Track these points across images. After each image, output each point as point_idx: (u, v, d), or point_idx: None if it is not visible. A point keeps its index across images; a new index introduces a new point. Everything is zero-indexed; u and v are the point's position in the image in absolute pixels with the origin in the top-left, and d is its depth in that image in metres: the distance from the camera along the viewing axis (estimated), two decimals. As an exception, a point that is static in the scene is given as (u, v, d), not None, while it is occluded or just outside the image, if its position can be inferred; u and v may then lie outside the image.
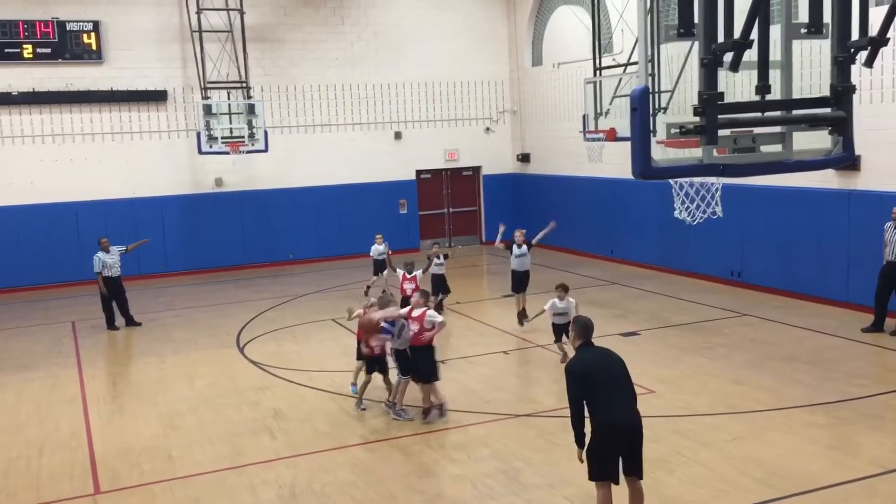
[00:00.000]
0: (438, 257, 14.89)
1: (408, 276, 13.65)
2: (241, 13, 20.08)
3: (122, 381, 12.62)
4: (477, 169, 24.36)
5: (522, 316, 13.89)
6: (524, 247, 14.48)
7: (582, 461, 6.67)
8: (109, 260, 15.38)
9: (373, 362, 10.37)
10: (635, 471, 6.67)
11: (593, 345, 6.84)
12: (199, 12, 19.69)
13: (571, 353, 7.06)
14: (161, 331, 15.23)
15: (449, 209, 24.34)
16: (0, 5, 19.15)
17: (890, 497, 7.45)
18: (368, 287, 16.94)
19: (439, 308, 13.59)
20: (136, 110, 20.56)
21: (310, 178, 22.13)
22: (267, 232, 21.83)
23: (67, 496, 8.26)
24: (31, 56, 19.44)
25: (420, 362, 9.91)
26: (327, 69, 22.15)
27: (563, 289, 11.70)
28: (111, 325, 15.47)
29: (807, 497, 7.51)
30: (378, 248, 16.95)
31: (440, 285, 14.89)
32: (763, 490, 7.65)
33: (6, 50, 19.24)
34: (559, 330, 11.56)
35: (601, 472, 6.58)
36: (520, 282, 14.30)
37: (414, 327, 9.83)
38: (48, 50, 19.55)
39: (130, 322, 15.62)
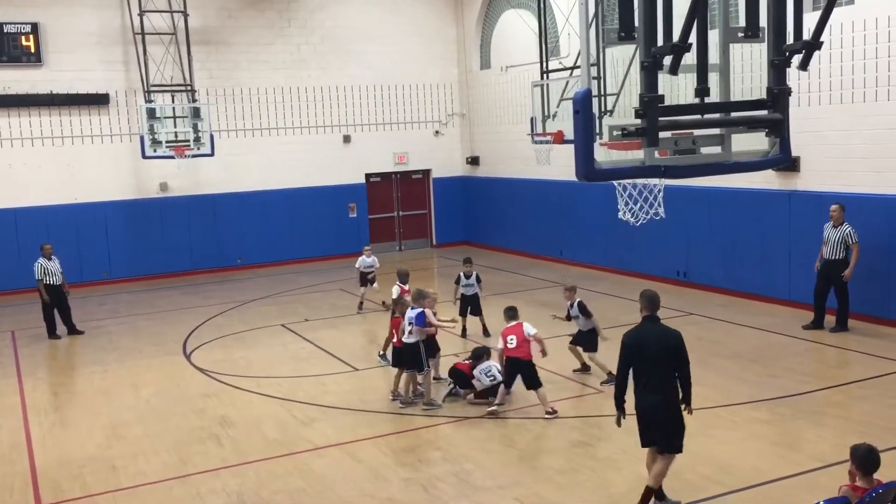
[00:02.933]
0: (468, 276, 13.78)
1: (405, 288, 12.81)
2: (185, 15, 19.75)
3: (64, 391, 12.30)
4: (427, 172, 24.37)
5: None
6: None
7: (619, 426, 7.38)
8: (52, 267, 15.04)
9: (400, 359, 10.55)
10: (659, 444, 7.22)
11: (658, 320, 7.26)
12: (141, 14, 19.32)
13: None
14: (105, 339, 14.91)
15: (399, 212, 24.29)
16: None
17: (830, 491, 7.61)
18: (362, 303, 16.27)
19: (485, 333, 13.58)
20: (78, 114, 20.12)
21: (258, 182, 21.89)
22: (214, 237, 21.53)
23: (7, 510, 8.04)
24: (-36, 59, 18.90)
25: (524, 374, 9.82)
26: (274, 72, 21.94)
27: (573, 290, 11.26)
28: (52, 333, 15.10)
29: (753, 492, 7.65)
30: (367, 261, 16.26)
31: (473, 306, 13.88)
32: (711, 486, 7.78)
33: (-60, 52, 18.68)
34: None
35: (640, 437, 7.33)
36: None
37: (512, 340, 9.72)
38: (-14, 52, 19.05)
39: (73, 331, 15.27)
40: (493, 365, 10.32)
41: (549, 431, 9.51)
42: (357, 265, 16.35)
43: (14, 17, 19.24)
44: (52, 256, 15.12)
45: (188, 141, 18.63)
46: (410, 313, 10.35)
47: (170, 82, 19.93)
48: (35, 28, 19.39)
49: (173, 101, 19.74)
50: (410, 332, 10.30)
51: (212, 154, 19.13)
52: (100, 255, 20.26)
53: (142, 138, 18.68)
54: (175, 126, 18.85)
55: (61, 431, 10.27)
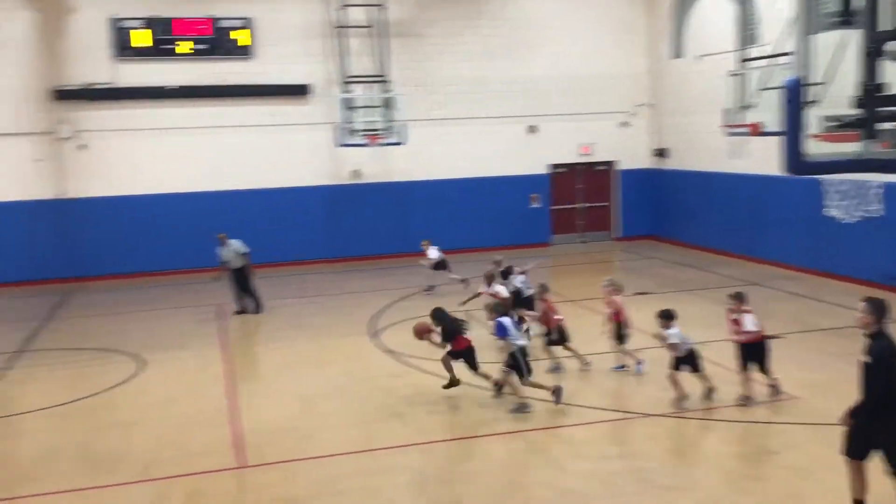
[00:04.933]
0: (522, 273, 13.58)
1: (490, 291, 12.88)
2: (383, 8, 20.54)
3: (260, 364, 13.19)
4: (611, 163, 23.97)
5: None
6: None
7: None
8: (227, 252, 16.08)
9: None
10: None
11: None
12: (342, 8, 20.29)
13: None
14: (296, 317, 15.81)
15: (581, 204, 24.06)
16: (160, 4, 20.39)
17: None
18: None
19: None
20: (281, 104, 21.40)
21: (444, 170, 22.40)
22: (401, 223, 22.25)
23: (214, 469, 8.72)
24: (186, 52, 20.59)
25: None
26: (463, 63, 22.31)
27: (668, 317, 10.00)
28: (239, 310, 16.12)
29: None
30: (434, 254, 17.26)
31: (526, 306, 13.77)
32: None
33: (162, 47, 20.47)
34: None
35: (851, 447, 6.78)
36: None
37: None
38: (205, 46, 20.68)
39: (257, 309, 16.21)
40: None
41: (733, 434, 9.14)
42: (432, 257, 17.08)
43: (229, 12, 20.77)
44: (228, 242, 16.11)
45: (381, 130, 19.38)
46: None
47: (366, 73, 20.80)
48: (248, 23, 20.83)
49: (368, 92, 20.59)
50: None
51: (403, 143, 19.80)
52: (297, 238, 21.51)
53: (338, 127, 19.65)
54: (369, 115, 19.66)
55: (259, 401, 11.01)
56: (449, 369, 10.49)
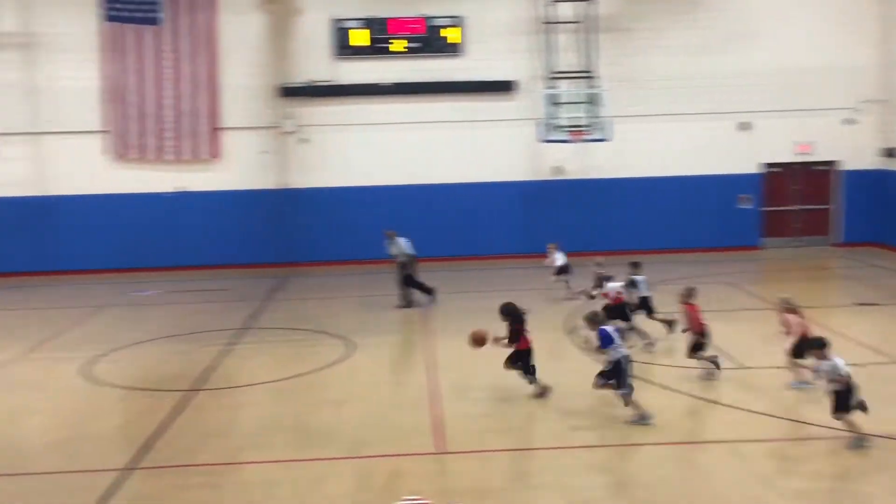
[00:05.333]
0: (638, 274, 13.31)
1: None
2: (593, 3, 20.36)
3: (462, 353, 13.47)
4: (833, 164, 22.35)
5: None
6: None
7: None
8: (393, 250, 16.72)
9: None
10: None
11: None
12: (551, 4, 20.31)
13: None
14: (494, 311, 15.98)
15: (797, 206, 22.61)
16: (376, 5, 21.37)
17: None
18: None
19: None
20: (486, 100, 21.75)
21: (648, 168, 21.85)
22: (602, 220, 21.95)
23: (415, 452, 9.06)
24: (400, 50, 21.45)
25: None
26: (673, 58, 21.61)
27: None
28: (403, 305, 16.46)
29: None
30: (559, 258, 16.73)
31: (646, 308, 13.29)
32: None
33: (377, 45, 21.44)
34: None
35: None
36: None
37: None
38: (417, 44, 21.46)
39: (431, 300, 16.64)
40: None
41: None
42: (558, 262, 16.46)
43: (441, 11, 21.40)
44: (396, 239, 16.78)
45: (585, 126, 19.23)
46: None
47: (572, 69, 20.71)
48: (459, 21, 21.37)
49: (574, 88, 20.48)
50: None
51: (608, 139, 19.54)
52: (494, 232, 21.83)
53: (541, 123, 19.71)
54: (573, 112, 19.56)
55: (459, 390, 11.28)
56: (531, 381, 10.52)
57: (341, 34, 21.39)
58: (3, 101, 20.48)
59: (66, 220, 21.43)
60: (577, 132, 19.25)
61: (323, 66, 21.51)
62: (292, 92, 21.48)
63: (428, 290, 16.84)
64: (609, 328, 9.79)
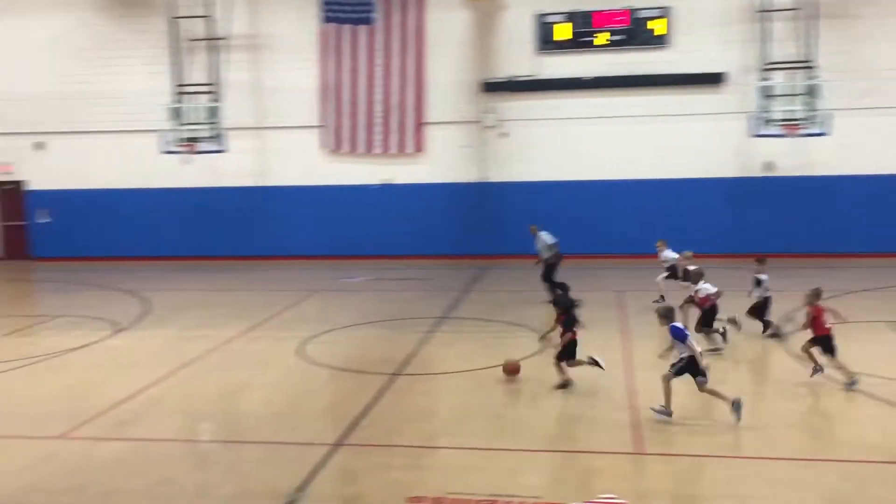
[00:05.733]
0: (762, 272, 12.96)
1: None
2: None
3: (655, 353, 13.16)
4: None
5: None
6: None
7: None
8: (538, 244, 16.65)
9: None
10: None
11: None
12: (766, -9, 19.30)
13: None
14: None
15: None
16: (581, -2, 21.29)
17: None
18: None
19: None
20: (692, 93, 21.00)
21: (874, 165, 20.22)
22: (819, 219, 20.59)
23: (611, 450, 8.96)
24: (603, 43, 21.18)
25: None
26: (904, 45, 19.89)
27: None
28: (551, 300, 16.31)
29: None
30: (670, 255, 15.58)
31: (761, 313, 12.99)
32: None
33: (582, 39, 21.28)
34: None
35: None
36: None
37: None
38: (621, 37, 21.11)
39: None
40: None
41: None
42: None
43: (647, 2, 20.89)
44: (539, 234, 16.67)
45: (802, 120, 18.11)
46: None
47: (788, 59, 19.54)
48: (665, 12, 20.78)
49: (789, 79, 19.33)
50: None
51: (827, 133, 18.29)
52: (695, 229, 21.06)
53: (752, 117, 18.75)
54: (789, 104, 18.48)
55: (658, 389, 10.99)
56: (562, 371, 10.86)
57: (545, 28, 21.45)
58: (233, 99, 22.30)
59: (283, 209, 23.05)
60: (792, 126, 18.19)
61: (524, 61, 21.69)
62: (494, 87, 21.82)
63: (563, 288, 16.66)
64: (680, 324, 9.89)
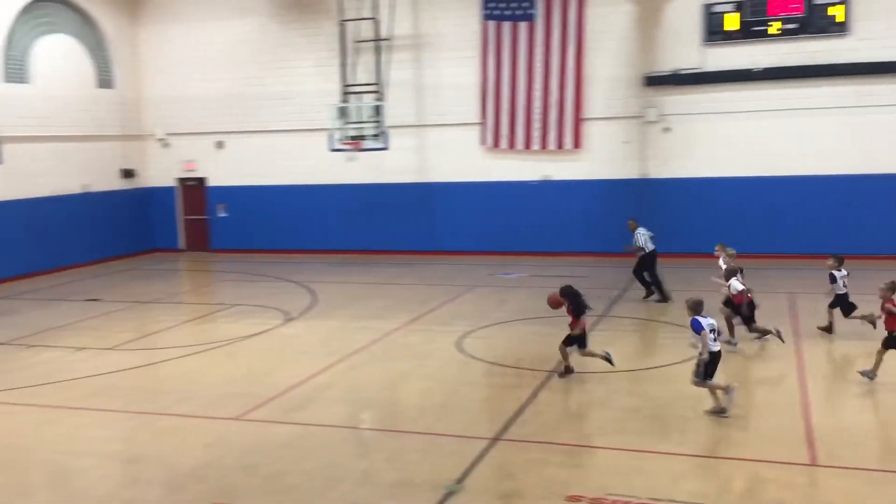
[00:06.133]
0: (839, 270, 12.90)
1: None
2: None
3: (833, 358, 12.40)
4: None
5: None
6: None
7: None
8: (634, 241, 16.61)
9: None
10: None
11: None
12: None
13: None
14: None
15: None
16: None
17: None
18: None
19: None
20: (874, 83, 19.62)
21: None
22: None
23: (780, 460, 8.53)
24: (775, 32, 20.15)
25: None
26: None
27: None
28: (647, 296, 16.51)
29: None
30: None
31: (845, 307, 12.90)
32: None
33: (752, 28, 20.33)
34: None
35: None
36: None
37: None
38: (794, 25, 20.01)
39: (661, 298, 16.30)
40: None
41: None
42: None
43: (827, -12, 19.73)
44: (637, 230, 16.65)
45: None
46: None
47: None
48: (846, -1, 19.57)
49: None
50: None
51: None
52: (874, 228, 19.73)
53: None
54: None
55: (833, 398, 10.40)
56: (565, 357, 11.39)
57: (712, 19, 20.65)
58: (396, 98, 22.91)
59: (442, 205, 23.45)
60: None
61: (690, 53, 20.97)
62: (656, 81, 21.25)
63: (649, 287, 16.56)
64: (703, 320, 9.87)
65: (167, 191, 26.05)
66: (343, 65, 22.66)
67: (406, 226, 23.70)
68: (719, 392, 9.80)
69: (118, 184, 24.89)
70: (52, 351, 13.91)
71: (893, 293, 10.58)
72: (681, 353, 12.35)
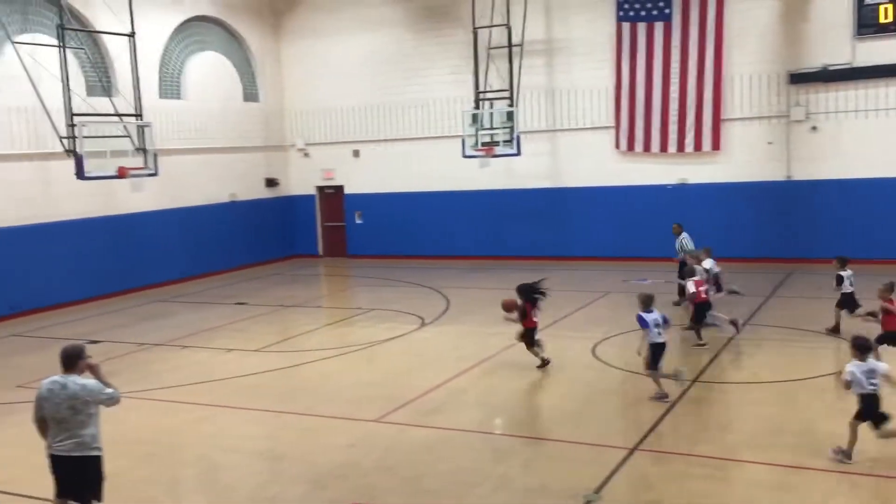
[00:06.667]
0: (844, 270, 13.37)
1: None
2: None
3: None
4: None
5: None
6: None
7: None
8: (678, 245, 16.77)
9: None
10: None
11: None
12: None
13: None
14: None
15: None
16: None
17: None
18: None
19: None
20: None
21: None
22: None
23: (947, 481, 7.96)
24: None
25: None
26: None
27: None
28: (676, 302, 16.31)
29: None
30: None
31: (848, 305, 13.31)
32: None
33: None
34: None
35: None
36: None
37: None
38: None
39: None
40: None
41: None
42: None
43: None
44: (681, 235, 16.88)
45: None
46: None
47: None
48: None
49: None
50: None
51: None
52: None
53: None
54: None
55: None
56: (535, 353, 12.34)
57: (866, 11, 19.50)
58: (528, 103, 22.88)
59: (575, 209, 23.21)
60: None
61: (840, 48, 19.89)
62: (803, 78, 20.29)
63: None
64: (648, 315, 10.69)
65: (307, 199, 27.03)
66: (476, 72, 22.84)
67: (538, 231, 23.60)
68: (663, 380, 10.78)
69: (262, 192, 26.04)
70: (204, 352, 14.69)
71: (891, 293, 11.25)
72: (831, 364, 11.74)
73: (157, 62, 22.36)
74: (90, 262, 20.16)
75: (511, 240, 23.91)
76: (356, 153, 26.00)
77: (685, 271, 14.94)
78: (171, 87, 22.99)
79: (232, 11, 24.81)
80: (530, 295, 12.49)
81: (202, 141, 23.65)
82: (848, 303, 13.42)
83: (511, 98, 22.39)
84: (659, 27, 21.46)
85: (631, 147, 22.35)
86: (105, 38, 20.32)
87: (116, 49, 20.20)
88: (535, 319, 12.45)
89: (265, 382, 12.57)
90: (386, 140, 25.40)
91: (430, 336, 15.38)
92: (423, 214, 25.02)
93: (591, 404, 10.89)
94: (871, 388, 8.17)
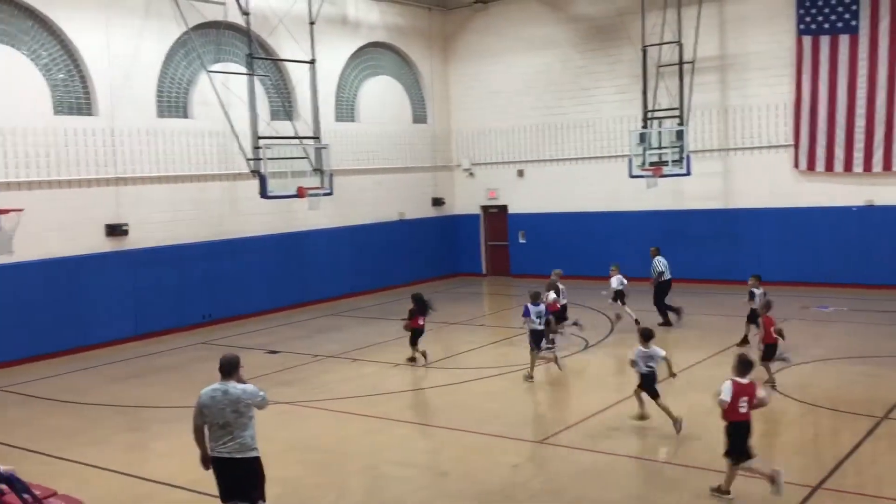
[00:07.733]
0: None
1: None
2: None
3: None
4: None
5: None
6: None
7: None
8: (656, 266, 17.62)
9: None
10: None
11: None
12: None
13: None
14: None
15: None
16: None
17: None
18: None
19: None
20: None
21: None
22: None
23: None
24: None
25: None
26: None
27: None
28: (661, 322, 17.26)
29: None
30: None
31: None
32: None
33: None
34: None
35: None
36: None
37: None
38: None
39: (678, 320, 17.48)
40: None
41: None
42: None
43: None
44: (657, 258, 17.66)
45: None
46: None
47: None
48: None
49: None
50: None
51: None
52: None
53: None
54: None
55: None
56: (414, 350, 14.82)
57: None
58: (699, 121, 22.21)
59: (749, 231, 22.21)
60: None
61: None
62: None
63: (666, 314, 17.47)
64: (532, 307, 13.31)
65: (472, 218, 27.42)
66: (644, 90, 22.42)
67: (708, 253, 22.76)
68: (541, 362, 13.54)
69: (429, 211, 26.67)
70: (373, 365, 15.19)
71: (767, 310, 12.55)
72: None
73: (335, 87, 23.47)
74: (270, 275, 21.37)
75: (679, 262, 23.15)
76: (520, 173, 26.13)
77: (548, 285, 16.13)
78: (346, 110, 24.05)
79: (404, 36, 25.67)
80: (419, 303, 14.82)
81: (373, 161, 24.56)
82: (756, 317, 13.95)
83: (681, 116, 21.81)
84: (844, 40, 20.26)
85: (812, 166, 21.18)
86: (288, 65, 21.57)
87: (297, 75, 21.40)
88: (420, 323, 14.79)
89: (430, 398, 12.83)
90: (550, 160, 25.38)
91: (594, 358, 15.17)
92: (587, 234, 24.75)
93: (768, 437, 10.35)
94: (648, 369, 10.61)
